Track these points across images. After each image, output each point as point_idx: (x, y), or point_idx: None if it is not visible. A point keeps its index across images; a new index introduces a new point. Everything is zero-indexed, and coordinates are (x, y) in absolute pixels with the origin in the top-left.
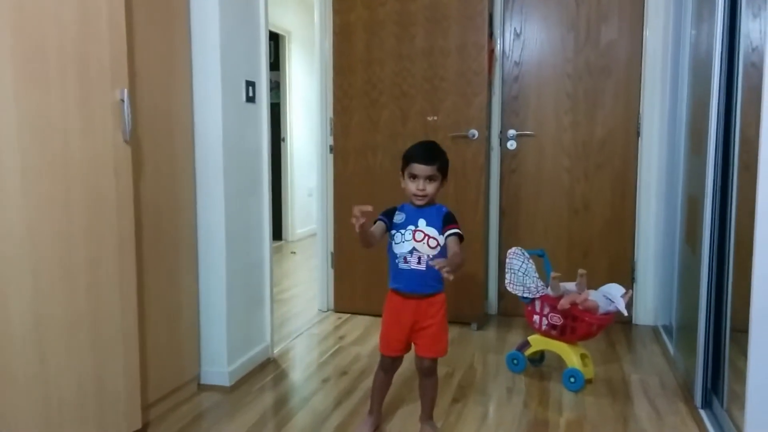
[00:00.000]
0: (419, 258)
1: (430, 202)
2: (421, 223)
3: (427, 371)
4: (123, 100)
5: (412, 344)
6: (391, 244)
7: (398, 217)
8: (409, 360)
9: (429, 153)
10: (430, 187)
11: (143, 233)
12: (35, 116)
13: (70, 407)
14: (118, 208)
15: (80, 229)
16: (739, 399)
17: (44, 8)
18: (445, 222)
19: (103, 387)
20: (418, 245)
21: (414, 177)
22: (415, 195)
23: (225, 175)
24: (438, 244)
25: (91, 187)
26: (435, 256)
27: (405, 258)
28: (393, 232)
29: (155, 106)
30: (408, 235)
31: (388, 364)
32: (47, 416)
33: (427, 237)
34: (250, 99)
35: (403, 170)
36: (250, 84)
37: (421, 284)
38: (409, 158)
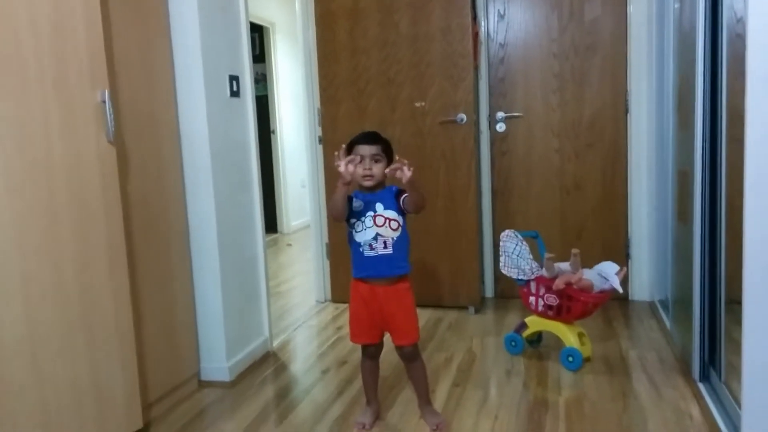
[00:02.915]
0: (385, 242)
1: (381, 185)
2: (379, 207)
3: (410, 356)
4: (104, 102)
5: (388, 332)
6: (351, 233)
7: (356, 204)
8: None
9: (372, 135)
10: (376, 168)
11: (133, 233)
12: (15, 122)
13: (68, 411)
14: (106, 209)
15: (68, 231)
16: (737, 371)
17: (17, 12)
18: (398, 194)
19: (102, 389)
20: (381, 230)
21: (360, 159)
22: (363, 176)
23: (213, 171)
24: (399, 225)
25: (77, 189)
26: (399, 238)
27: (370, 245)
28: (353, 221)
29: (138, 105)
30: (369, 221)
31: (371, 352)
32: (46, 422)
33: (387, 220)
34: (235, 94)
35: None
36: (233, 79)
37: (390, 267)
38: (353, 143)
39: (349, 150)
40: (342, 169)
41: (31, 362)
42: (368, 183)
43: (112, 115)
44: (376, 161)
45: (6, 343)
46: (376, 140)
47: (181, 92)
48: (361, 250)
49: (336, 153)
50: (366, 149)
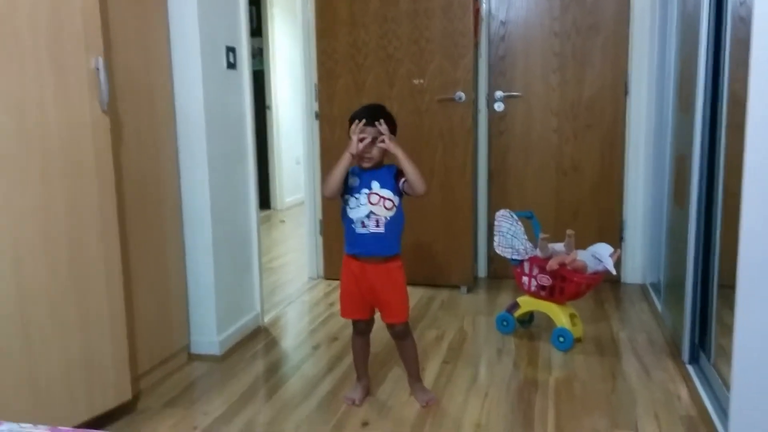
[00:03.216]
0: (377, 221)
1: (380, 164)
2: (375, 185)
3: (400, 334)
4: (98, 69)
5: (378, 310)
6: (345, 209)
7: (352, 180)
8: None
9: (375, 112)
10: (376, 150)
11: (126, 204)
12: (7, 87)
13: (57, 381)
14: (99, 179)
15: (60, 201)
16: (726, 354)
17: None
18: (398, 175)
19: (91, 360)
20: (374, 208)
21: (362, 140)
22: (362, 157)
23: (208, 144)
24: (394, 204)
25: (70, 158)
26: (392, 218)
27: (363, 222)
28: (347, 196)
29: (133, 74)
30: (363, 199)
31: (362, 328)
32: (35, 392)
33: (382, 199)
34: (231, 65)
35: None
36: (230, 50)
37: (381, 247)
38: (356, 117)
39: (352, 122)
40: (354, 142)
41: (22, 331)
42: (366, 165)
43: (106, 84)
44: (381, 141)
45: None
46: (381, 117)
47: (177, 62)
48: (353, 226)
49: (353, 126)
50: (370, 130)
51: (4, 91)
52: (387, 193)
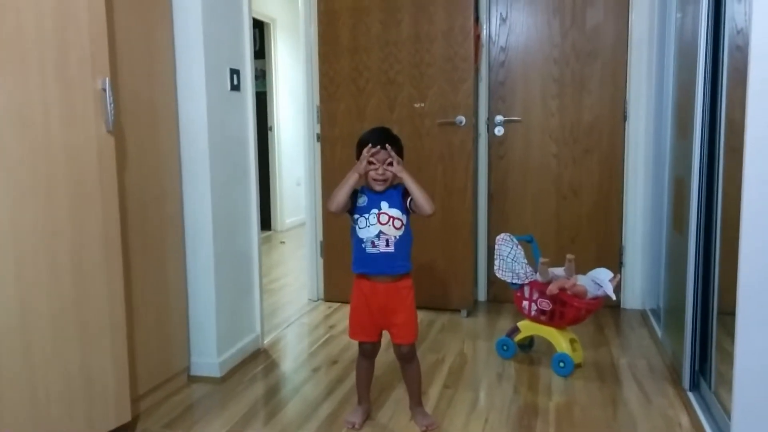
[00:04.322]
0: (387, 240)
1: (389, 185)
2: (384, 205)
3: (407, 356)
4: (105, 90)
5: (385, 331)
6: (354, 229)
7: (361, 200)
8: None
9: (383, 136)
10: (388, 173)
11: (129, 223)
12: (14, 107)
13: (57, 400)
14: (103, 198)
15: (64, 220)
16: (727, 381)
17: None
18: (405, 194)
19: (91, 379)
20: (384, 228)
21: (371, 162)
22: (376, 180)
23: (211, 164)
24: (402, 224)
25: (75, 177)
26: (401, 237)
27: (372, 242)
28: (356, 216)
29: (138, 95)
30: (372, 219)
31: (368, 350)
32: (34, 410)
33: (391, 219)
34: (235, 87)
35: (358, 156)
36: (234, 72)
37: (391, 266)
38: (364, 144)
39: (360, 146)
40: (363, 165)
41: (24, 350)
42: (379, 188)
43: (112, 104)
44: (389, 164)
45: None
46: (388, 141)
47: (182, 83)
48: (363, 246)
49: (364, 151)
50: (380, 155)
51: (11, 110)
52: (396, 212)
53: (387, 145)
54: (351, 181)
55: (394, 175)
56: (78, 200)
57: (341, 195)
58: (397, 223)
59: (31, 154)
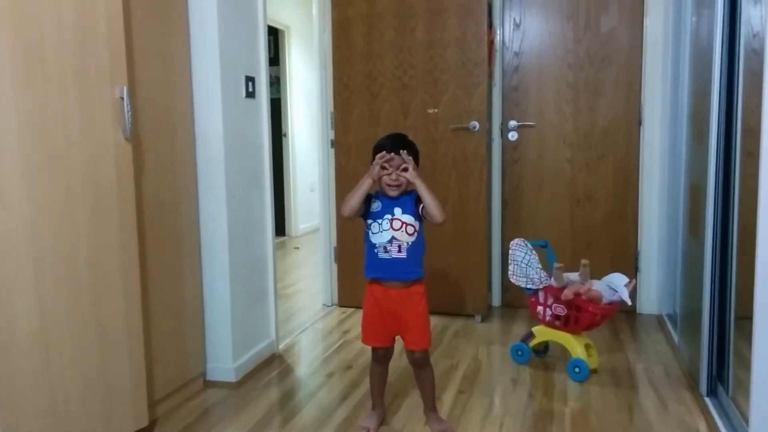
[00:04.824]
0: (399, 246)
1: (403, 191)
2: (397, 211)
3: (420, 362)
4: (123, 98)
5: (398, 337)
6: (367, 233)
7: (375, 206)
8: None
9: (398, 141)
10: (402, 178)
11: (146, 230)
12: (35, 115)
13: (76, 406)
14: (120, 205)
15: (82, 226)
16: (745, 386)
17: (42, 7)
18: (418, 200)
19: (109, 385)
20: (397, 234)
21: (385, 168)
22: (389, 186)
23: (226, 171)
24: (415, 230)
25: (93, 184)
26: (413, 243)
27: (385, 248)
28: (370, 221)
29: (155, 103)
30: (386, 224)
31: (381, 356)
32: (53, 415)
33: (404, 225)
34: (250, 94)
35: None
36: (249, 79)
37: (403, 271)
38: (379, 150)
39: (376, 151)
40: (376, 170)
41: (43, 356)
42: (393, 193)
43: (129, 112)
44: (404, 170)
45: (20, 334)
46: (403, 147)
47: (198, 91)
48: (375, 251)
49: (377, 156)
50: (395, 160)
51: (31, 119)
52: (408, 218)
53: (402, 150)
54: (364, 186)
55: (408, 181)
56: (96, 207)
57: (354, 200)
58: (410, 229)
59: (50, 162)
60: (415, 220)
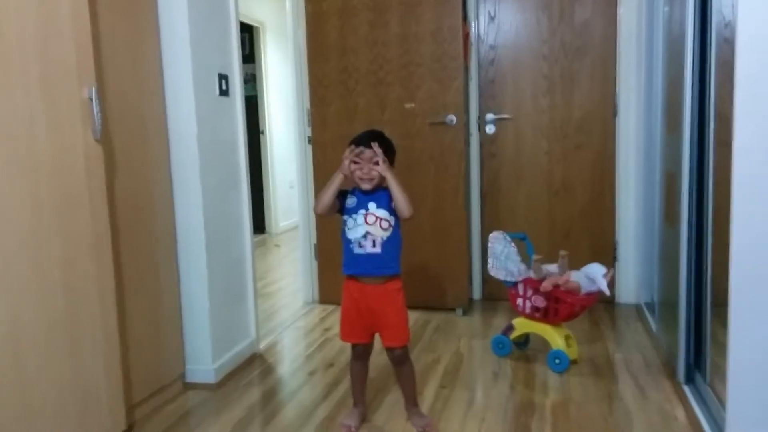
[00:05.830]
0: (374, 241)
1: (378, 185)
2: (372, 206)
3: (399, 359)
4: (92, 99)
5: (376, 334)
6: (344, 230)
7: (350, 201)
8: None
9: (372, 137)
10: (375, 172)
11: (120, 232)
12: None
13: (51, 412)
14: (92, 207)
15: (52, 229)
16: (722, 373)
17: (2, 5)
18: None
19: (85, 389)
20: (371, 228)
21: (356, 162)
22: (362, 179)
23: (201, 170)
24: (390, 225)
25: (63, 187)
26: (388, 238)
27: (359, 243)
28: (345, 217)
29: (126, 102)
30: (360, 219)
31: (360, 352)
32: (28, 422)
33: (378, 219)
34: (224, 92)
35: None
36: (222, 77)
37: (378, 267)
38: (354, 142)
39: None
40: (345, 164)
41: (14, 361)
42: (366, 186)
43: (99, 113)
44: (376, 163)
45: None
46: (377, 142)
47: (170, 90)
48: (350, 246)
49: (347, 150)
50: (366, 153)
51: None
52: (383, 213)
53: (373, 144)
54: (336, 182)
55: (381, 175)
56: (66, 210)
57: (326, 197)
58: (384, 224)
59: (17, 165)
60: (390, 215)
